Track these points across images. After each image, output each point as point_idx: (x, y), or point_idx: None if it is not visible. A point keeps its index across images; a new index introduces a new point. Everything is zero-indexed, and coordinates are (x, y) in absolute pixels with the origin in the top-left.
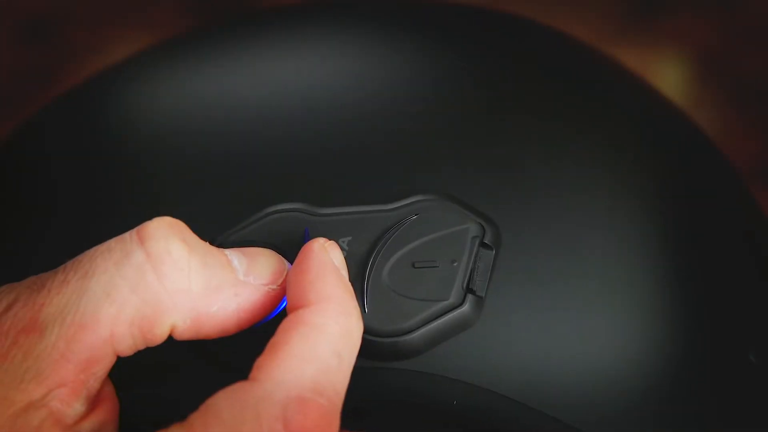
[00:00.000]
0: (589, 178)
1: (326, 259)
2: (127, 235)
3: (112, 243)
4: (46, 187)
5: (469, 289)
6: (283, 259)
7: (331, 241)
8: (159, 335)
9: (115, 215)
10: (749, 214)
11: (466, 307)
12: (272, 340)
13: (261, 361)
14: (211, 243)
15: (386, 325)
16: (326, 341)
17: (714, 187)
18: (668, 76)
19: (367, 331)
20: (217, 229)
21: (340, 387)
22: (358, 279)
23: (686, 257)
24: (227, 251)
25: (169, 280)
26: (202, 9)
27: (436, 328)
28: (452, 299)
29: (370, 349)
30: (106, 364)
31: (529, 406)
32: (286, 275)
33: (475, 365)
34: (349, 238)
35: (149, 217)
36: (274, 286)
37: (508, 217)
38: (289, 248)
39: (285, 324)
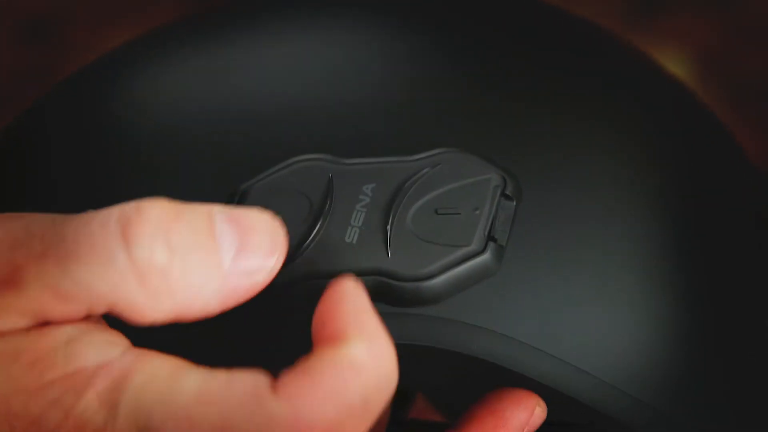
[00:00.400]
0: (610, 141)
1: (363, 297)
2: (112, 229)
3: (97, 234)
4: (46, 169)
5: (490, 237)
6: (281, 230)
7: (359, 282)
8: (137, 325)
9: (130, 181)
10: (763, 193)
11: (487, 255)
12: (306, 363)
13: (287, 379)
14: (236, 190)
15: (408, 270)
16: (359, 385)
17: (729, 163)
18: None
19: (389, 275)
20: (243, 178)
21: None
22: (381, 224)
23: (706, 228)
24: (219, 223)
25: (151, 286)
26: (202, 9)
27: (457, 274)
28: (474, 246)
29: (392, 294)
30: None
31: (547, 353)
32: (285, 248)
33: (495, 313)
34: (373, 185)
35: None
36: (261, 279)
37: (529, 173)
38: (314, 194)
39: (322, 352)
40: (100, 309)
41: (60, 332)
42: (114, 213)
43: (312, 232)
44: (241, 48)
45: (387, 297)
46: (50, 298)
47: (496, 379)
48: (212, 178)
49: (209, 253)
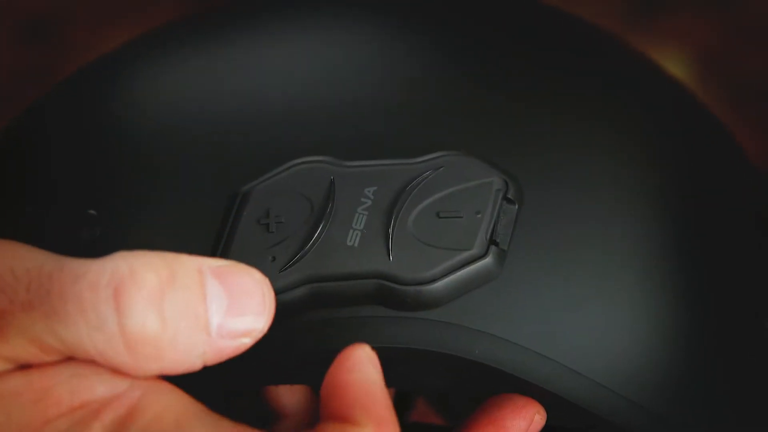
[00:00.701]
0: (612, 144)
1: (375, 370)
2: (103, 289)
3: (86, 292)
4: (46, 169)
5: (492, 241)
6: (269, 290)
7: (373, 352)
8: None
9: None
10: (762, 192)
11: (489, 259)
12: None
13: None
14: (237, 193)
15: (410, 273)
16: None
17: (729, 163)
18: None
19: (390, 279)
20: (244, 179)
21: None
22: (383, 227)
23: (705, 227)
24: (210, 283)
25: (139, 353)
26: (202, 9)
27: (459, 278)
28: (476, 249)
29: (394, 298)
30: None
31: (548, 358)
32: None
33: (496, 317)
34: (375, 188)
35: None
36: (248, 341)
37: (531, 177)
38: (315, 197)
39: (328, 430)
40: (84, 359)
41: (62, 368)
42: (105, 274)
43: (313, 235)
44: (241, 48)
45: (388, 301)
46: (34, 349)
47: (497, 383)
48: (212, 178)
49: (199, 319)
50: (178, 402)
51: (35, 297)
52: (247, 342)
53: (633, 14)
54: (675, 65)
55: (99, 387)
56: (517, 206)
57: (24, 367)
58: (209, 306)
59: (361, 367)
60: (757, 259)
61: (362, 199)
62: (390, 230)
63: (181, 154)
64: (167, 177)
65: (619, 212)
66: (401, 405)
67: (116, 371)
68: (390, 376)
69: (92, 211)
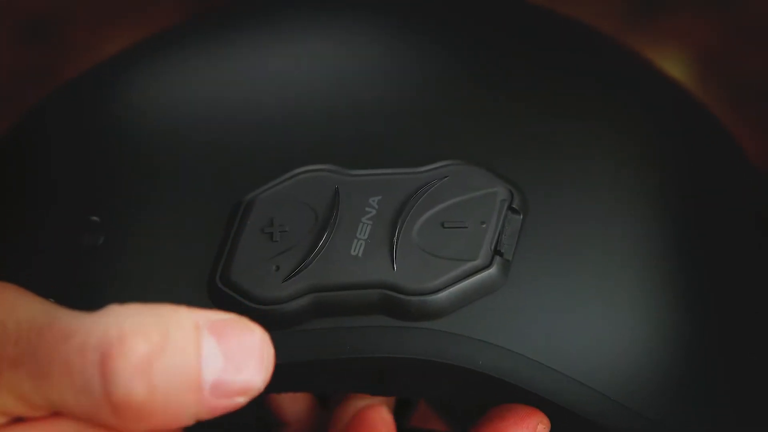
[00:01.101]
0: (616, 152)
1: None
2: (90, 354)
3: (72, 353)
4: (46, 171)
5: (497, 251)
6: (269, 347)
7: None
8: None
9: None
10: (763, 194)
11: (493, 269)
12: None
13: None
14: (241, 201)
15: (414, 283)
16: None
17: (729, 163)
18: None
19: (394, 289)
20: (248, 187)
21: None
22: (387, 237)
23: (708, 234)
24: (206, 341)
25: (126, 417)
26: (202, 9)
27: (463, 289)
28: (480, 260)
29: (397, 308)
30: None
31: (551, 368)
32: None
33: (500, 327)
34: (379, 197)
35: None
36: (243, 399)
37: (536, 187)
38: (319, 206)
39: None
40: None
41: (54, 424)
42: (93, 338)
43: (317, 244)
44: (244, 52)
45: (392, 310)
46: (22, 405)
47: (500, 394)
48: (215, 185)
49: (192, 380)
50: None
51: (23, 354)
52: (241, 401)
53: (633, 14)
54: (675, 65)
55: None
56: (521, 216)
57: (18, 420)
58: (204, 367)
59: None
60: (757, 260)
61: (367, 209)
62: (394, 240)
63: (184, 159)
64: (167, 179)
65: (621, 219)
66: (402, 410)
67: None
68: (392, 386)
69: (95, 218)
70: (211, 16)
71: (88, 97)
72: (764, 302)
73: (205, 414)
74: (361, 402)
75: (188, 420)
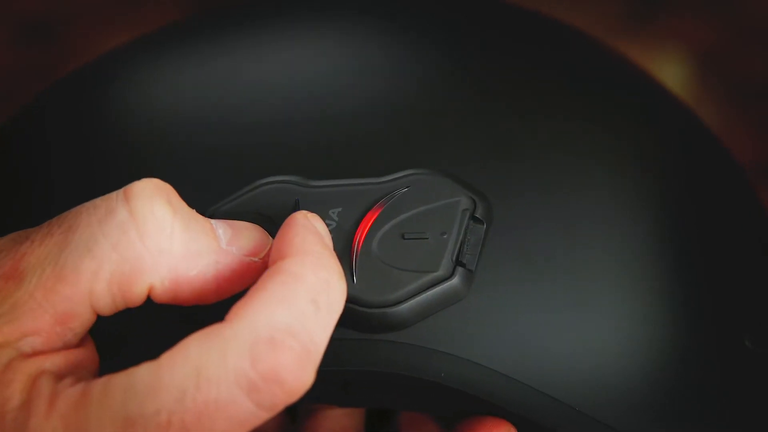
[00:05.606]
0: (585, 158)
1: (308, 224)
2: (114, 193)
3: (99, 200)
4: (43, 169)
5: (458, 262)
6: (268, 234)
7: (314, 214)
8: (137, 294)
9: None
10: (749, 204)
11: (455, 280)
12: (250, 289)
13: (236, 306)
14: (203, 215)
15: (375, 296)
16: (303, 288)
17: (713, 176)
18: (668, 76)
19: (355, 302)
20: (210, 201)
21: (317, 336)
22: (347, 249)
23: (682, 242)
24: (213, 221)
25: (151, 239)
26: (201, 10)
27: (424, 300)
28: (441, 271)
29: (359, 320)
30: (85, 321)
31: (516, 380)
32: (270, 249)
33: (463, 338)
34: (340, 209)
35: None
36: (256, 258)
37: (501, 194)
38: (280, 219)
39: (264, 275)
40: (100, 285)
41: None
42: (112, 194)
43: None
44: (215, 63)
45: (353, 323)
46: (52, 280)
47: (465, 404)
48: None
49: (207, 229)
50: None
51: (53, 225)
52: (256, 260)
53: (633, 14)
54: (675, 65)
55: None
56: (485, 225)
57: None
58: (216, 228)
59: (296, 220)
60: (743, 274)
61: (327, 221)
62: (354, 253)
63: (158, 173)
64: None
65: (588, 226)
66: (381, 420)
67: (130, 280)
68: (358, 397)
69: None
70: (210, 15)
71: (84, 95)
72: (746, 318)
73: (224, 273)
74: (331, 413)
75: (209, 277)
